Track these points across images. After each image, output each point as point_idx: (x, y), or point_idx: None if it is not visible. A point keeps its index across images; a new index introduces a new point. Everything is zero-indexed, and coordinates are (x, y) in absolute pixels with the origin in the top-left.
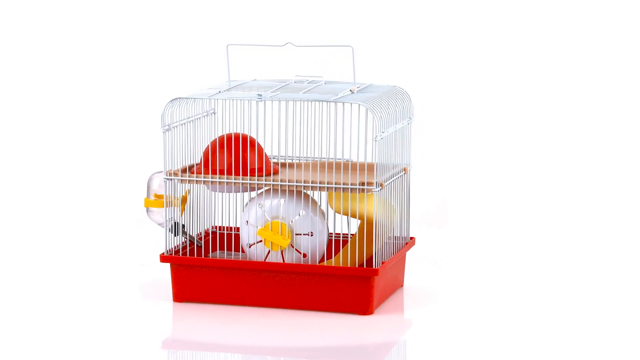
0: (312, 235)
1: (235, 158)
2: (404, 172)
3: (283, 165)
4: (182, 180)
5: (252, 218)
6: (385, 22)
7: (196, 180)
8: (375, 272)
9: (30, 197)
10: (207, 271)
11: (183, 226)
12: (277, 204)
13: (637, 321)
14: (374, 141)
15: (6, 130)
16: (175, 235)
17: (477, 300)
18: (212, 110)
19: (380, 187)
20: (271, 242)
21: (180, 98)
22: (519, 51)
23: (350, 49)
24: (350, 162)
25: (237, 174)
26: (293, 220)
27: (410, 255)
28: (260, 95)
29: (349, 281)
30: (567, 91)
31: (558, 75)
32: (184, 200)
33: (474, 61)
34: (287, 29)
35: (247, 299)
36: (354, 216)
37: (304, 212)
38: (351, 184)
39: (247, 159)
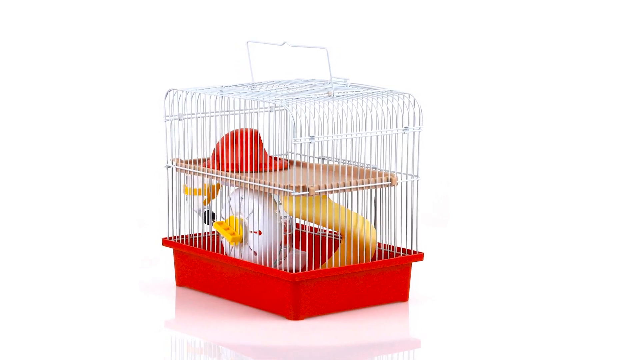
0: (260, 234)
1: (240, 154)
2: (390, 182)
3: (298, 164)
4: (177, 169)
5: (224, 212)
6: (418, 31)
7: (183, 170)
8: (293, 277)
9: (31, 198)
10: (192, 259)
11: (214, 215)
12: (239, 201)
13: (638, 321)
14: (294, 144)
15: (8, 129)
16: (206, 223)
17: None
18: (281, 106)
19: (307, 192)
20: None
21: (174, 90)
22: (518, 53)
23: (325, 50)
24: (358, 167)
25: (241, 169)
26: (245, 218)
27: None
28: (222, 91)
29: (280, 285)
30: (567, 90)
31: (555, 74)
32: (214, 190)
33: (480, 67)
34: (316, 30)
35: (218, 290)
36: (304, 219)
37: (256, 210)
38: (278, 186)
39: (251, 155)
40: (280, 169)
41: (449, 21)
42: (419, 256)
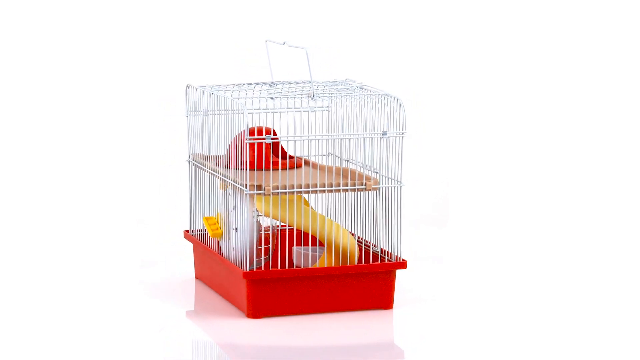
0: (236, 231)
1: (250, 152)
2: (364, 187)
3: (307, 163)
4: (193, 165)
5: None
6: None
7: (197, 166)
8: (248, 275)
9: (32, 199)
10: (202, 253)
11: None
12: (227, 198)
13: (637, 321)
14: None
15: (8, 128)
16: None
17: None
18: (328, 107)
19: (262, 191)
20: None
21: (190, 86)
22: (514, 52)
23: (305, 51)
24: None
25: (254, 167)
26: (226, 215)
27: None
28: (212, 87)
29: (242, 282)
30: (562, 90)
31: (551, 76)
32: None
33: (478, 66)
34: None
35: (214, 285)
36: (277, 220)
37: (235, 208)
38: (239, 184)
39: (259, 153)
40: (285, 168)
41: (462, 27)
42: (401, 264)
